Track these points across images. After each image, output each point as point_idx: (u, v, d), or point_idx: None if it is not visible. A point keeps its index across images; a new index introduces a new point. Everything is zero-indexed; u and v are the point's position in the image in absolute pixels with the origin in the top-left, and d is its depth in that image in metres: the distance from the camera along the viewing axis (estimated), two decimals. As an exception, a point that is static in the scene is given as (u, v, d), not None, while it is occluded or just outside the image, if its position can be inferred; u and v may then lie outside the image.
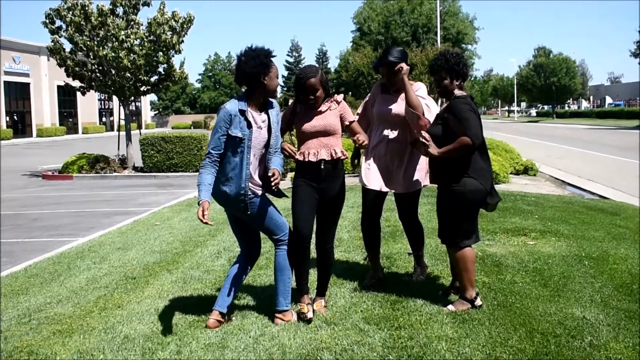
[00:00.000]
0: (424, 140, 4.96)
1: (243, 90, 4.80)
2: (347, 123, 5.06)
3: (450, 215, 5.08)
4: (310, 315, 4.88)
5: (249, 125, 4.66)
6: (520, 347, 4.25)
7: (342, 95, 5.15)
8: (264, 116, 4.79)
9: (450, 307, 5.08)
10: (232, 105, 4.69)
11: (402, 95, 5.55)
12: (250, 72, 4.64)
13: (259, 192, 4.79)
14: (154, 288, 6.05)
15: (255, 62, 4.64)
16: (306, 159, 4.96)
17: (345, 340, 4.44)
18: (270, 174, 4.65)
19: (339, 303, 5.28)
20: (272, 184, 4.61)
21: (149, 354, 4.31)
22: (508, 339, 4.40)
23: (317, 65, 4.92)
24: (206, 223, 4.45)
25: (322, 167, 4.96)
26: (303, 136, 5.02)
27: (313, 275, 5.30)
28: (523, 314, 4.92)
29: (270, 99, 4.87)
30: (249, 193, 4.69)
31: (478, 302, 5.08)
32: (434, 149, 4.96)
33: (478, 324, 4.71)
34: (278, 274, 4.94)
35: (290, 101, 5.25)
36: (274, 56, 4.76)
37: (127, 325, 4.94)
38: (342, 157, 5.02)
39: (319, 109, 4.99)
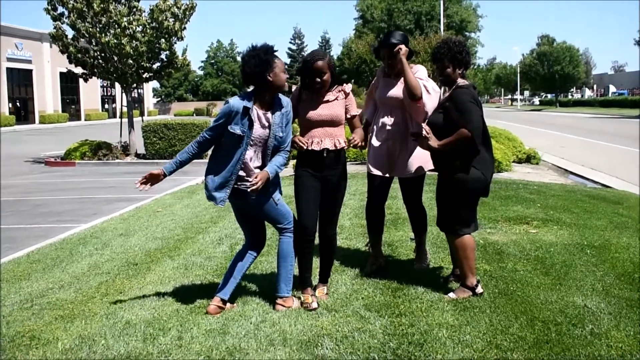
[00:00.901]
0: (424, 133, 4.95)
1: (251, 88, 4.78)
2: (348, 116, 5.05)
3: (450, 203, 5.07)
4: (314, 305, 4.88)
5: (251, 124, 4.64)
6: (521, 335, 4.25)
7: (350, 86, 5.11)
8: (269, 115, 4.73)
9: (451, 294, 5.08)
10: (236, 102, 4.67)
11: (402, 80, 5.55)
12: (251, 71, 4.62)
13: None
14: (155, 274, 6.06)
15: (255, 61, 4.61)
16: (309, 148, 4.93)
17: (346, 327, 4.44)
18: (253, 177, 4.62)
19: (340, 290, 5.28)
20: (248, 185, 4.59)
21: (150, 339, 4.32)
22: (509, 326, 4.41)
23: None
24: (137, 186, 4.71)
25: (325, 155, 4.94)
26: (308, 124, 4.99)
27: (314, 262, 5.29)
28: (524, 302, 4.92)
29: (280, 97, 4.82)
30: (235, 184, 4.69)
31: (479, 289, 5.08)
32: (434, 142, 4.95)
33: (479, 311, 4.71)
34: (281, 261, 4.93)
35: (294, 87, 5.22)
36: (275, 51, 4.70)
37: (128, 311, 4.94)
38: (345, 147, 5.01)
39: (326, 98, 4.96)
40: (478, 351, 4.01)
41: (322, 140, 4.93)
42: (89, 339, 4.36)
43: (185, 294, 5.27)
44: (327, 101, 4.97)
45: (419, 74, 5.55)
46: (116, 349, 4.16)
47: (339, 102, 4.99)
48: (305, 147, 4.87)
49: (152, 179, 4.69)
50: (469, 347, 4.08)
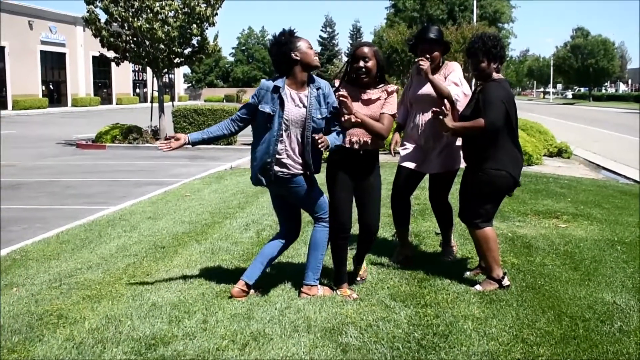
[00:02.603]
0: (443, 109, 4.90)
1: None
2: (381, 110, 4.86)
3: (475, 197, 5.03)
4: (354, 295, 4.86)
5: (282, 103, 4.62)
6: (547, 330, 4.20)
7: (394, 87, 4.93)
8: (303, 94, 4.68)
9: (477, 287, 5.04)
10: (267, 82, 4.68)
11: (437, 76, 5.51)
12: (276, 55, 4.63)
13: (299, 171, 4.70)
14: (182, 258, 6.10)
15: (277, 47, 4.61)
16: (347, 146, 4.85)
17: (371, 315, 4.43)
18: (317, 137, 4.56)
19: (366, 279, 5.27)
20: (318, 142, 4.53)
21: (175, 321, 4.35)
22: (536, 321, 4.36)
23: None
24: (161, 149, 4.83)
25: (361, 153, 4.88)
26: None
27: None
28: (552, 296, 4.86)
29: (317, 78, 4.77)
30: (275, 168, 4.65)
31: (506, 282, 5.04)
32: (449, 121, 4.90)
33: (505, 304, 4.67)
34: (312, 250, 4.90)
35: (337, 82, 5.10)
36: (294, 31, 4.67)
37: (154, 293, 4.99)
38: (382, 145, 4.96)
39: (369, 97, 4.85)
40: (503, 344, 3.98)
41: (362, 139, 4.84)
42: (115, 319, 4.41)
43: (211, 278, 5.30)
44: (369, 100, 4.85)
45: (454, 75, 5.48)
46: (142, 330, 4.20)
47: (380, 102, 4.87)
48: (348, 116, 4.59)
49: (175, 142, 4.72)
50: (494, 340, 4.04)
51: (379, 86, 4.90)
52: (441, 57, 5.64)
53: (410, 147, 5.67)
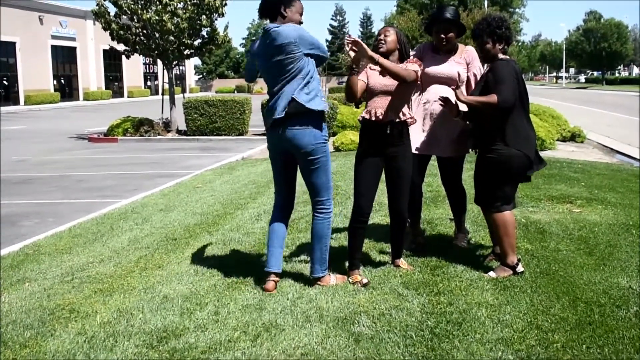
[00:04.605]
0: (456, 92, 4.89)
1: None
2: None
3: (492, 180, 4.94)
4: (365, 280, 4.84)
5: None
6: (562, 316, 4.15)
7: (419, 63, 4.94)
8: None
9: (491, 273, 4.99)
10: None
11: (452, 57, 5.48)
12: (269, 2, 4.65)
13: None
14: (193, 249, 6.09)
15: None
16: (372, 118, 4.84)
17: (384, 304, 4.40)
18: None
19: (378, 267, 5.23)
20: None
21: (187, 313, 4.34)
22: (550, 307, 4.31)
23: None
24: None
25: (388, 132, 4.83)
26: (370, 93, 4.91)
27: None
28: (566, 282, 4.81)
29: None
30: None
31: (520, 268, 4.98)
32: (460, 93, 4.88)
33: (520, 291, 4.62)
34: (315, 242, 4.84)
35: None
36: None
37: (166, 286, 4.98)
38: (410, 120, 4.92)
39: None
40: (518, 331, 3.93)
41: (386, 112, 4.82)
42: (127, 313, 4.40)
43: (223, 269, 5.28)
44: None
45: (475, 64, 5.52)
46: (153, 323, 4.19)
47: None
48: (350, 42, 4.64)
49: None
50: (508, 327, 4.00)
51: (401, 64, 4.91)
52: (456, 39, 5.59)
53: (417, 127, 5.57)
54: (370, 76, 4.93)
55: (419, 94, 5.65)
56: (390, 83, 4.81)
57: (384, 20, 66.27)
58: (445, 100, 5.11)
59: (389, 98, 4.82)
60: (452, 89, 4.90)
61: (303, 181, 4.85)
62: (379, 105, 4.83)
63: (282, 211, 5.02)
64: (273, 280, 4.78)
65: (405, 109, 4.87)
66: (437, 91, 5.44)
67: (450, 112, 5.12)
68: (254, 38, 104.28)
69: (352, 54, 4.65)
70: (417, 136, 5.56)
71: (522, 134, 4.88)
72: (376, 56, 4.64)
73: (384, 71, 4.73)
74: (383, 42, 4.86)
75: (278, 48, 4.53)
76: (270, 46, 4.58)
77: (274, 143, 4.80)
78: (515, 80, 4.79)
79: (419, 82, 5.19)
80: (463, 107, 5.05)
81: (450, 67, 5.49)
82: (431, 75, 5.54)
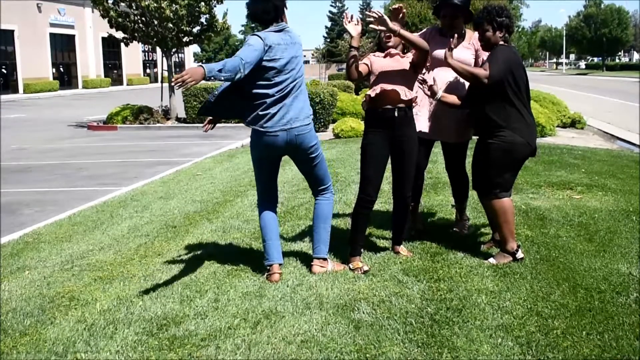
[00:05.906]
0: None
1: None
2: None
3: (492, 166, 4.93)
4: (366, 267, 4.84)
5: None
6: (562, 302, 4.15)
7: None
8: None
9: (491, 260, 4.99)
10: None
11: (462, 42, 5.42)
12: (263, 15, 4.57)
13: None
14: (193, 237, 6.09)
15: (270, 4, 4.53)
16: (377, 104, 4.86)
17: (383, 291, 4.40)
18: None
19: (378, 254, 5.23)
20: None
21: (186, 301, 4.34)
22: (550, 293, 4.31)
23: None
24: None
25: (396, 115, 4.84)
26: (376, 78, 4.91)
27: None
28: (566, 268, 4.81)
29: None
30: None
31: (520, 255, 4.98)
32: (449, 56, 4.90)
33: (520, 277, 4.62)
34: (320, 222, 4.85)
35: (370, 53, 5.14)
36: None
37: (166, 273, 4.97)
38: (414, 104, 4.96)
39: (398, 54, 4.96)
40: (518, 318, 3.93)
41: (392, 96, 4.83)
42: (127, 300, 4.40)
43: (223, 257, 5.28)
44: (397, 59, 4.94)
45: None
46: (153, 310, 4.19)
47: (409, 57, 4.94)
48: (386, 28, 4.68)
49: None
50: (508, 313, 4.00)
51: (408, 54, 4.98)
52: (465, 24, 5.55)
53: (423, 111, 5.54)
54: (373, 62, 4.94)
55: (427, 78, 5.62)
56: (395, 67, 4.83)
57: (383, 7, 65.89)
58: (423, 82, 5.13)
59: (394, 83, 4.82)
60: (446, 53, 4.89)
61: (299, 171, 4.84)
62: (384, 89, 4.82)
63: (270, 206, 4.93)
64: (278, 272, 4.74)
65: (410, 93, 4.86)
66: (444, 76, 5.39)
67: (430, 97, 5.16)
68: (252, 25, 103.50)
69: (376, 27, 4.69)
70: (423, 121, 5.53)
71: (522, 121, 4.87)
72: (397, 27, 4.68)
73: (406, 41, 4.84)
74: (388, 34, 4.89)
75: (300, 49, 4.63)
76: (299, 47, 4.61)
77: (272, 147, 4.64)
78: (509, 63, 4.78)
79: (428, 64, 5.24)
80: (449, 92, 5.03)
81: (458, 52, 5.44)
82: (438, 58, 5.48)
